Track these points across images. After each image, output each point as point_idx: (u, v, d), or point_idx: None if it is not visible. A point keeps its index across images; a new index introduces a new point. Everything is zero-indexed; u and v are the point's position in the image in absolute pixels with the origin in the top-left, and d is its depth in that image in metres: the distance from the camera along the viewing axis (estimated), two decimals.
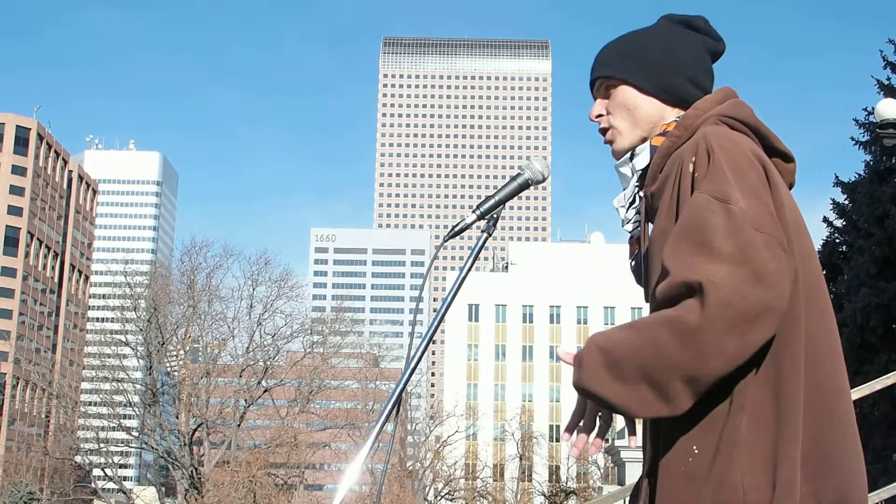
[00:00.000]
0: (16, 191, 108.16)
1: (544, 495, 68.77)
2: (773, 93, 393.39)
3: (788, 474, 1.84)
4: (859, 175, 26.50)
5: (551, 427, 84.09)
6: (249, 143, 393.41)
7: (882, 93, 25.23)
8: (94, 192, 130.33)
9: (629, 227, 2.23)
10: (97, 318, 77.81)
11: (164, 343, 52.31)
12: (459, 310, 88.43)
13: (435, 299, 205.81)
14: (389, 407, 2.11)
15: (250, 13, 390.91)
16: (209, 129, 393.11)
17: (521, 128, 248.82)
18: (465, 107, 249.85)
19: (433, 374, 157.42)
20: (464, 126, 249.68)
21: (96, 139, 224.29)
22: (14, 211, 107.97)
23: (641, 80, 2.19)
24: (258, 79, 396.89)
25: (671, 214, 2.01)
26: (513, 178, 2.26)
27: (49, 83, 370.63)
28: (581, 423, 2.03)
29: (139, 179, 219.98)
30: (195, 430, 50.07)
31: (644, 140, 2.19)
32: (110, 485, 57.49)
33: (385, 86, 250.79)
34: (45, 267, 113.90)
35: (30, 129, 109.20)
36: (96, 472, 57.75)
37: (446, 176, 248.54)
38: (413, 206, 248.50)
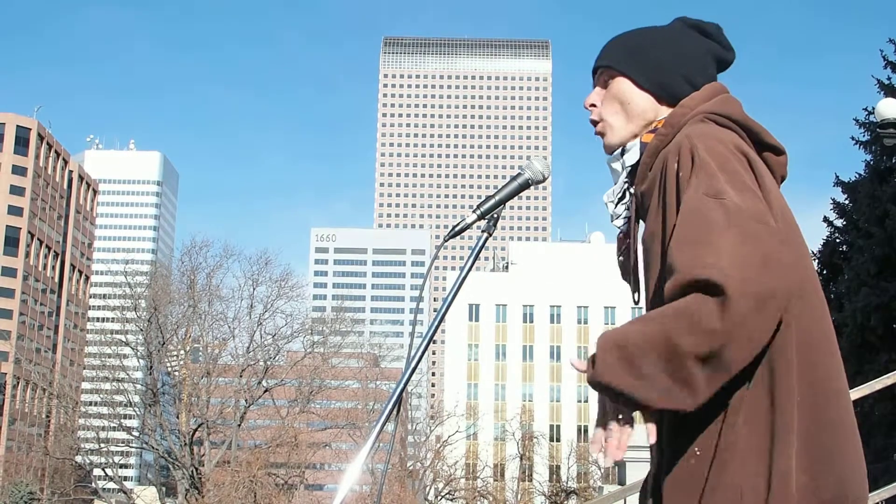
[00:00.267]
0: (16, 191, 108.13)
1: (545, 495, 68.84)
2: (774, 92, 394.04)
3: (785, 474, 1.85)
4: (860, 175, 26.54)
5: (552, 427, 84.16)
6: (249, 142, 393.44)
7: (882, 92, 25.25)
8: (95, 192, 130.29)
9: (619, 222, 2.25)
10: (97, 318, 77.83)
11: (164, 343, 52.35)
12: (460, 310, 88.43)
13: (435, 299, 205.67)
14: (390, 407, 2.11)
15: (250, 13, 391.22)
16: (209, 128, 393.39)
17: (521, 128, 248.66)
18: (465, 107, 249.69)
19: (433, 374, 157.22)
20: (464, 126, 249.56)
21: (96, 139, 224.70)
22: (14, 211, 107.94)
23: (639, 75, 2.21)
24: (258, 78, 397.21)
25: (658, 215, 2.04)
26: (513, 178, 2.27)
27: (49, 83, 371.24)
28: (604, 429, 1.99)
29: (139, 179, 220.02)
30: (196, 429, 50.09)
31: (635, 136, 2.21)
32: (111, 485, 57.45)
33: (385, 86, 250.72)
34: (45, 267, 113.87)
35: (30, 129, 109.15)
36: (97, 472, 57.74)
37: (446, 176, 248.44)
38: (413, 205, 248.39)
